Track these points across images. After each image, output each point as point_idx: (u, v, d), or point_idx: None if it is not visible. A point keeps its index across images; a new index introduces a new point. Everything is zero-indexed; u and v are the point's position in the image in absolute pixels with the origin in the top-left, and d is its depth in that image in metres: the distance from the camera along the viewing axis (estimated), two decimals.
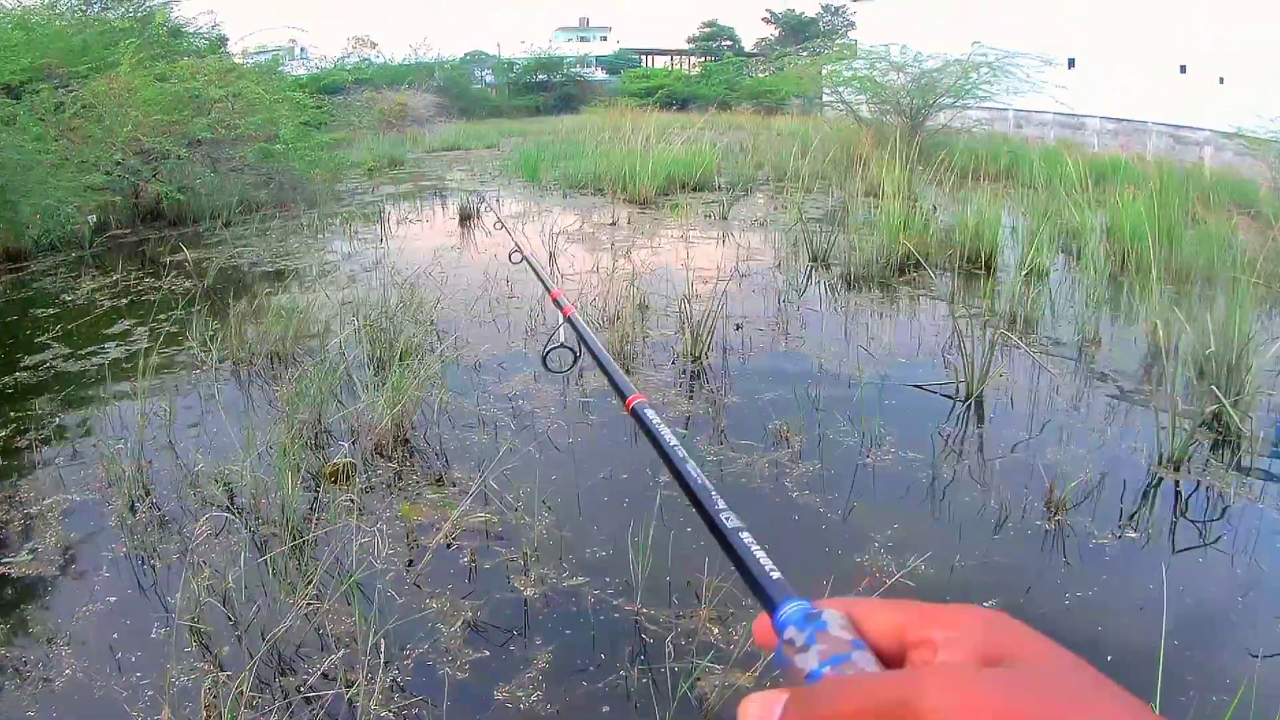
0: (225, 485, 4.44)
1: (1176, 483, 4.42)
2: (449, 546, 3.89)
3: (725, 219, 11.96)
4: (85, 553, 3.98)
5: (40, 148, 9.86)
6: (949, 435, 5.05)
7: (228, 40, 21.34)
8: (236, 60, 16.31)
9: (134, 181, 12.08)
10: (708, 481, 0.67)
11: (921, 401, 5.54)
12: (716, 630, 3.29)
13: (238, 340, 6.35)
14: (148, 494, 4.43)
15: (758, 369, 6.10)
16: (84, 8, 15.72)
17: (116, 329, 7.46)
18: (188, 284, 8.88)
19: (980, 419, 5.27)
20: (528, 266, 2.39)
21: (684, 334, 6.33)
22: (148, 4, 17.20)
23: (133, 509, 4.25)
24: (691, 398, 5.62)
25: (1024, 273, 7.40)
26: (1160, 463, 4.54)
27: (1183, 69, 19.16)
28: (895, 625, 0.46)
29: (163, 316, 7.38)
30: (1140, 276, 7.37)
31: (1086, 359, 6.21)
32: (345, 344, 6.03)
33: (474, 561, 3.78)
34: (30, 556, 3.94)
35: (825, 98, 23.42)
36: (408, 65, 42.77)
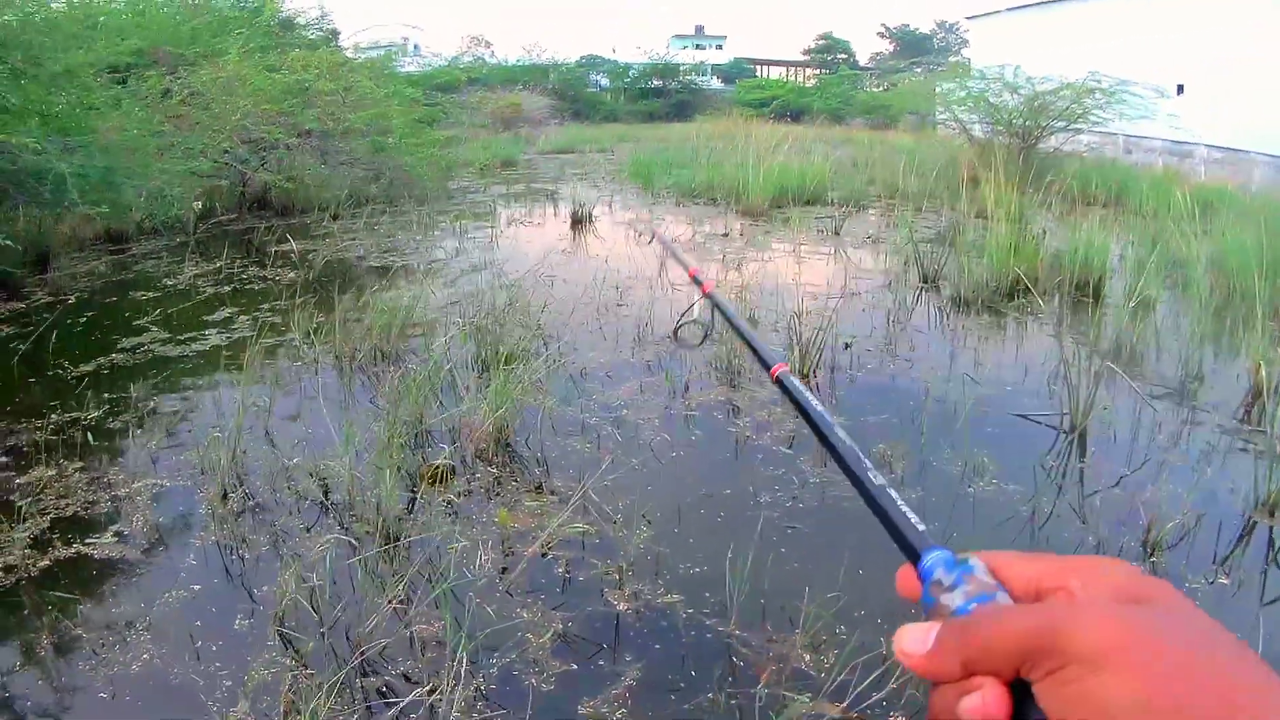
0: (321, 480, 4.57)
1: (1271, 529, 4.36)
2: (544, 556, 3.95)
3: (837, 234, 11.98)
4: (173, 538, 4.16)
5: (145, 130, 10.25)
6: (1050, 468, 5.02)
7: (339, 34, 22.09)
8: (348, 54, 16.77)
9: (241, 170, 12.51)
10: (854, 443, 0.70)
11: (1025, 431, 5.51)
12: (809, 657, 3.28)
13: (341, 334, 6.56)
14: (241, 483, 4.60)
15: (865, 390, 6.12)
16: None
17: (218, 316, 7.78)
18: (292, 274, 9.24)
19: (1083, 452, 5.21)
20: (666, 251, 2.41)
21: (792, 351, 6.35)
22: None
23: (225, 498, 4.42)
24: (797, 416, 5.57)
25: (1131, 304, 7.36)
26: (1256, 506, 4.47)
27: None
28: (1033, 575, 0.52)
29: (265, 306, 7.63)
30: (1245, 311, 7.23)
31: (1189, 395, 6.12)
32: (450, 344, 6.15)
33: (568, 573, 3.84)
34: (115, 539, 4.12)
35: (939, 115, 23.24)
36: (522, 66, 43.87)
